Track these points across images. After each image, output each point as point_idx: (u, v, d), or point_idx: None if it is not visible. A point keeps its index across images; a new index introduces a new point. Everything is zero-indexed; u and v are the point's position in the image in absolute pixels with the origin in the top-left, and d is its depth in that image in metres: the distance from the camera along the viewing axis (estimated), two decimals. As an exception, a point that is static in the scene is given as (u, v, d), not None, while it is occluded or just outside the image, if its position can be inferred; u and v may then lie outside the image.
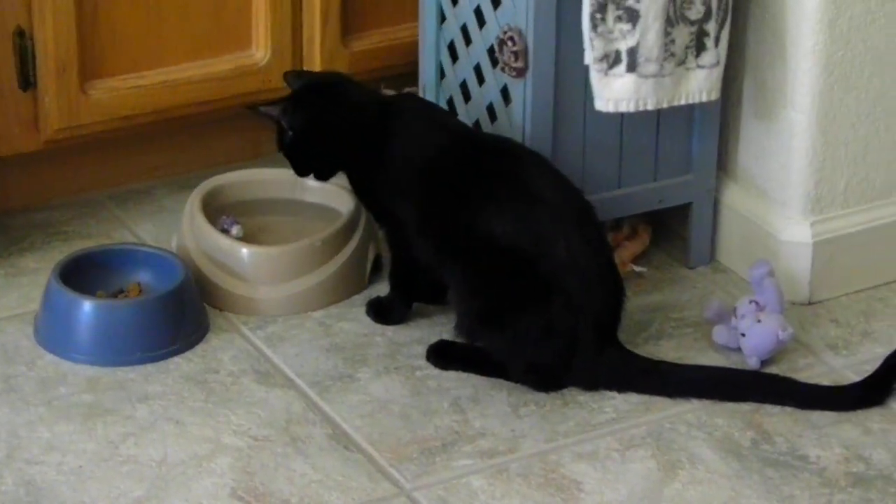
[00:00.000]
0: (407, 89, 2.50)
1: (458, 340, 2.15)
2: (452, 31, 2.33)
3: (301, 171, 2.21)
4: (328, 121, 2.16)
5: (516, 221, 2.08)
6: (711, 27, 2.20)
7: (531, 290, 2.07)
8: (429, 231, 2.13)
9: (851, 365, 2.19)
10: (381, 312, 2.25)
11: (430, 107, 2.26)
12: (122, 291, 2.25)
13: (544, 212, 2.08)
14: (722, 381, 2.11)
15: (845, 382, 2.16)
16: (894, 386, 2.10)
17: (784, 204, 2.32)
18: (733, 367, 2.18)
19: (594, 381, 2.11)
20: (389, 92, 2.51)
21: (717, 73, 2.24)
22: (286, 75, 2.23)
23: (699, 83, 2.23)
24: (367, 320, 2.27)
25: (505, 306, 2.09)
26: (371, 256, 2.34)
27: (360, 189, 2.22)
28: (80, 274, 2.22)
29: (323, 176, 2.21)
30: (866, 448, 2.05)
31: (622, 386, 2.11)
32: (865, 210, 2.34)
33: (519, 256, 2.07)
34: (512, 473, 2.00)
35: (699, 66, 2.22)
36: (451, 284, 2.13)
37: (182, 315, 2.20)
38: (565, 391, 2.13)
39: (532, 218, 2.08)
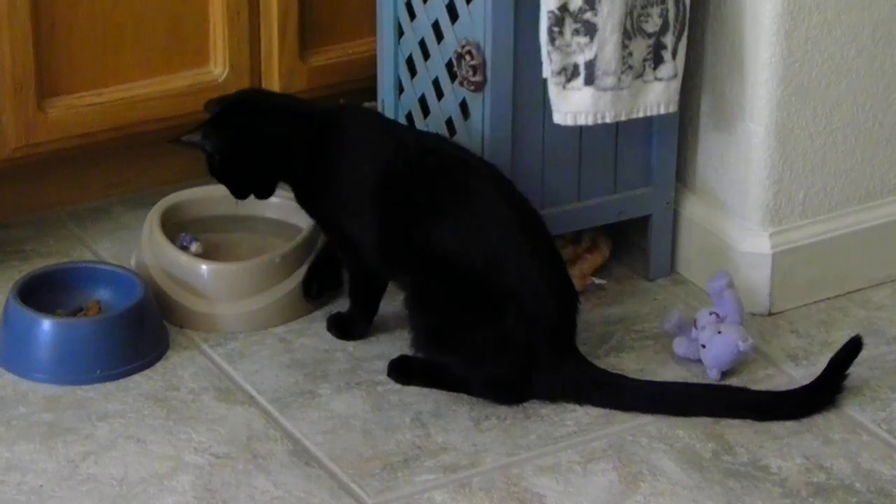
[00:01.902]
0: (366, 104, 2.50)
1: (418, 356, 2.15)
2: (410, 45, 2.33)
3: (239, 194, 2.18)
4: (253, 136, 2.14)
5: (467, 235, 2.07)
6: (669, 40, 2.21)
7: (484, 304, 2.07)
8: (381, 246, 2.12)
9: (812, 375, 2.20)
10: (343, 328, 2.24)
11: (377, 116, 2.25)
12: (81, 310, 2.24)
13: (495, 224, 2.08)
14: (680, 396, 2.11)
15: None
16: (844, 384, 2.11)
17: (743, 215, 2.33)
18: (694, 378, 2.18)
19: (553, 393, 2.11)
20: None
21: (675, 85, 2.24)
22: (207, 105, 2.19)
23: (657, 96, 2.23)
24: (328, 336, 2.26)
25: (458, 322, 2.08)
26: (332, 272, 2.34)
27: (307, 203, 2.20)
28: (39, 293, 2.21)
29: (263, 194, 2.19)
30: (827, 458, 2.06)
31: (580, 398, 2.12)
32: (824, 220, 2.35)
33: (470, 270, 2.07)
34: (474, 488, 2.00)
35: (657, 79, 2.23)
36: (405, 299, 2.13)
37: (142, 333, 2.19)
38: (527, 405, 2.13)
39: (483, 231, 2.08)
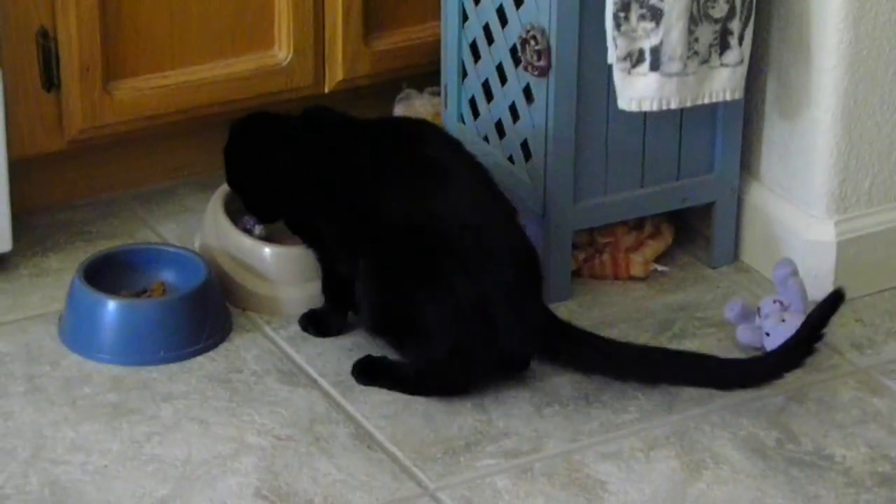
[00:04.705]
0: (428, 89, 2.50)
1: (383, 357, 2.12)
2: (475, 30, 2.33)
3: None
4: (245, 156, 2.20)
5: (405, 201, 2.04)
6: (735, 25, 2.20)
7: (430, 268, 2.02)
8: (344, 238, 2.11)
9: (877, 364, 2.18)
10: (319, 325, 2.21)
11: (322, 117, 2.19)
12: (145, 291, 2.25)
13: (434, 185, 2.04)
14: (646, 361, 2.07)
15: (872, 383, 2.16)
16: (815, 347, 2.06)
17: (808, 203, 2.31)
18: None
19: (522, 348, 2.06)
20: (411, 91, 2.52)
21: (741, 71, 2.23)
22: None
23: (723, 82, 2.22)
24: (390, 320, 2.26)
25: (405, 291, 2.04)
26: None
27: (293, 222, 2.19)
28: (104, 274, 2.22)
29: (268, 217, 2.23)
30: (892, 448, 2.04)
31: (550, 353, 2.07)
32: (890, 209, 2.33)
33: (412, 236, 2.03)
34: (536, 473, 2.00)
35: (723, 65, 2.21)
36: (358, 284, 2.08)
37: (205, 314, 2.20)
38: (588, 392, 2.13)
39: (421, 194, 2.04)
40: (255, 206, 2.23)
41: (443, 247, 2.03)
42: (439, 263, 2.03)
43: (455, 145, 2.10)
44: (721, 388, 2.08)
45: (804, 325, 2.06)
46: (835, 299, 2.05)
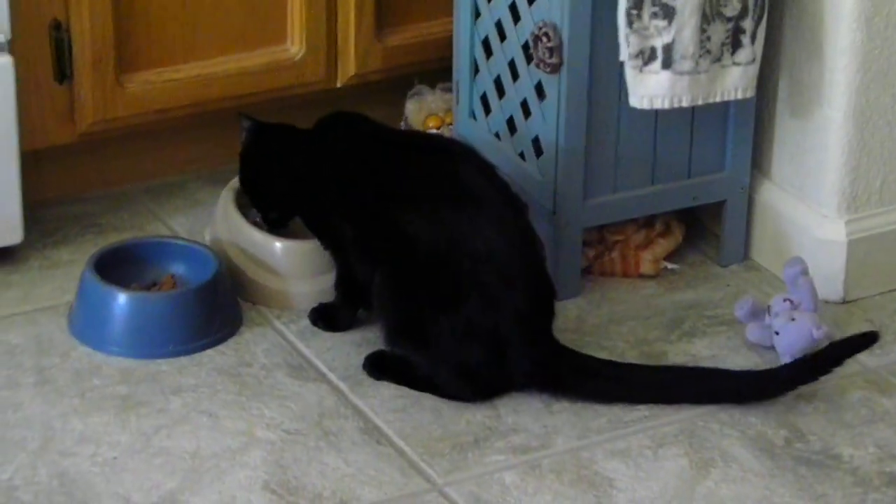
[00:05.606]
0: (440, 85, 2.51)
1: (394, 351, 2.11)
2: (487, 26, 2.33)
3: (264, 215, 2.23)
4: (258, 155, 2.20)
5: (432, 220, 2.03)
6: (748, 24, 2.20)
7: (446, 289, 2.03)
8: (360, 244, 2.11)
9: (886, 365, 2.18)
10: (329, 320, 2.22)
11: (351, 122, 2.18)
12: (155, 284, 2.26)
13: (463, 208, 2.04)
14: (665, 384, 2.07)
15: (881, 383, 2.16)
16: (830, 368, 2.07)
17: (819, 202, 2.31)
18: (765, 366, 2.16)
19: (528, 382, 2.07)
20: (423, 87, 2.52)
21: (753, 70, 2.23)
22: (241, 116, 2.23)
23: (735, 80, 2.22)
24: (400, 315, 2.26)
25: (422, 310, 2.04)
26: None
27: (311, 222, 2.19)
28: (115, 266, 2.23)
29: (279, 221, 2.22)
30: (900, 448, 2.05)
31: (560, 388, 2.07)
32: (901, 209, 2.33)
33: (434, 256, 2.03)
34: (544, 470, 2.00)
35: (735, 64, 2.21)
36: (374, 292, 2.09)
37: (215, 308, 2.20)
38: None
39: (449, 215, 2.03)
40: (270, 207, 2.22)
41: (464, 274, 2.03)
42: (458, 290, 2.03)
43: (489, 169, 2.10)
44: (737, 402, 2.08)
45: (829, 347, 2.07)
46: (869, 338, 2.06)
